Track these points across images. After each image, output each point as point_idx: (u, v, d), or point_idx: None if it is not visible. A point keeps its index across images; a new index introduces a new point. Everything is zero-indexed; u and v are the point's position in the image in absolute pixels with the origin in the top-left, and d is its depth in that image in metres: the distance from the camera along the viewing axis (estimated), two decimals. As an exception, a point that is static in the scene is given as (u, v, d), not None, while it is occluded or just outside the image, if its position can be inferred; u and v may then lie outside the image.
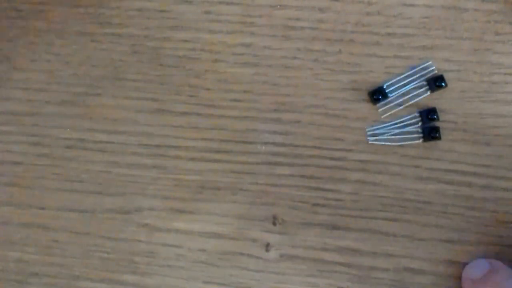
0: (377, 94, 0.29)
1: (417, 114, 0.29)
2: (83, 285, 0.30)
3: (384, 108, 0.29)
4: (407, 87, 0.29)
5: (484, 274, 0.28)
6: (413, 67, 0.29)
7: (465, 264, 0.28)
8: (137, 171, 0.30)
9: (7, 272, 0.31)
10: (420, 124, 0.29)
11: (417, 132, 0.29)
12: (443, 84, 0.29)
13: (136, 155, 0.30)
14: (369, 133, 0.29)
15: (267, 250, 0.30)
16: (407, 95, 0.29)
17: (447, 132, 0.29)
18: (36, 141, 0.31)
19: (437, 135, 0.29)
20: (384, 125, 0.29)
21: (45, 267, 0.31)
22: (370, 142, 0.29)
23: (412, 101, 0.29)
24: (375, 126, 0.29)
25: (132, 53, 0.31)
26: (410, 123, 0.29)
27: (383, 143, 0.29)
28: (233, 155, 0.30)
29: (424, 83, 0.29)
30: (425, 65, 0.29)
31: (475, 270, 0.28)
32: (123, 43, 0.31)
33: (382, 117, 0.29)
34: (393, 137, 0.29)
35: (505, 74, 0.29)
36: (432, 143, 0.29)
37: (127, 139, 0.31)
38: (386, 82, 0.29)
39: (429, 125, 0.29)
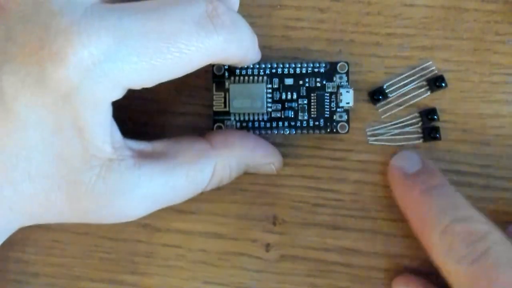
0: (377, 94, 0.29)
1: (417, 114, 0.29)
2: (83, 285, 0.30)
3: (384, 108, 0.29)
4: (407, 87, 0.29)
5: (416, 171, 0.27)
6: (413, 67, 0.29)
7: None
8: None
9: (7, 272, 0.31)
10: (420, 124, 0.29)
11: (417, 132, 0.29)
12: (443, 84, 0.29)
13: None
14: (369, 133, 0.29)
15: (267, 250, 0.30)
16: (407, 95, 0.29)
17: (447, 132, 0.29)
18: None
19: (437, 135, 0.29)
20: (384, 125, 0.29)
21: (45, 267, 0.31)
22: (370, 142, 0.29)
23: (412, 101, 0.29)
24: (375, 126, 0.29)
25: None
26: (410, 123, 0.29)
27: (383, 143, 0.29)
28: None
29: (424, 83, 0.29)
30: (425, 65, 0.29)
31: (407, 162, 0.27)
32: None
33: (382, 117, 0.29)
34: (393, 137, 0.29)
35: (505, 74, 0.29)
36: (432, 143, 0.29)
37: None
38: (386, 82, 0.29)
39: (429, 125, 0.29)
